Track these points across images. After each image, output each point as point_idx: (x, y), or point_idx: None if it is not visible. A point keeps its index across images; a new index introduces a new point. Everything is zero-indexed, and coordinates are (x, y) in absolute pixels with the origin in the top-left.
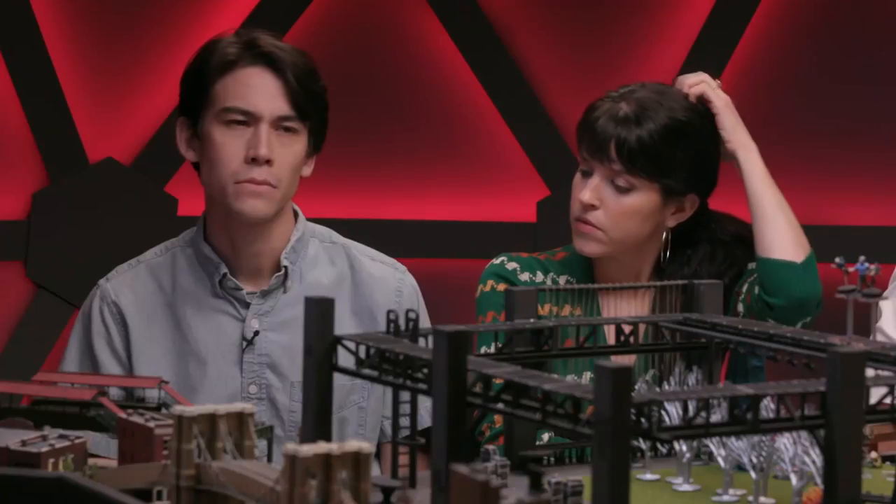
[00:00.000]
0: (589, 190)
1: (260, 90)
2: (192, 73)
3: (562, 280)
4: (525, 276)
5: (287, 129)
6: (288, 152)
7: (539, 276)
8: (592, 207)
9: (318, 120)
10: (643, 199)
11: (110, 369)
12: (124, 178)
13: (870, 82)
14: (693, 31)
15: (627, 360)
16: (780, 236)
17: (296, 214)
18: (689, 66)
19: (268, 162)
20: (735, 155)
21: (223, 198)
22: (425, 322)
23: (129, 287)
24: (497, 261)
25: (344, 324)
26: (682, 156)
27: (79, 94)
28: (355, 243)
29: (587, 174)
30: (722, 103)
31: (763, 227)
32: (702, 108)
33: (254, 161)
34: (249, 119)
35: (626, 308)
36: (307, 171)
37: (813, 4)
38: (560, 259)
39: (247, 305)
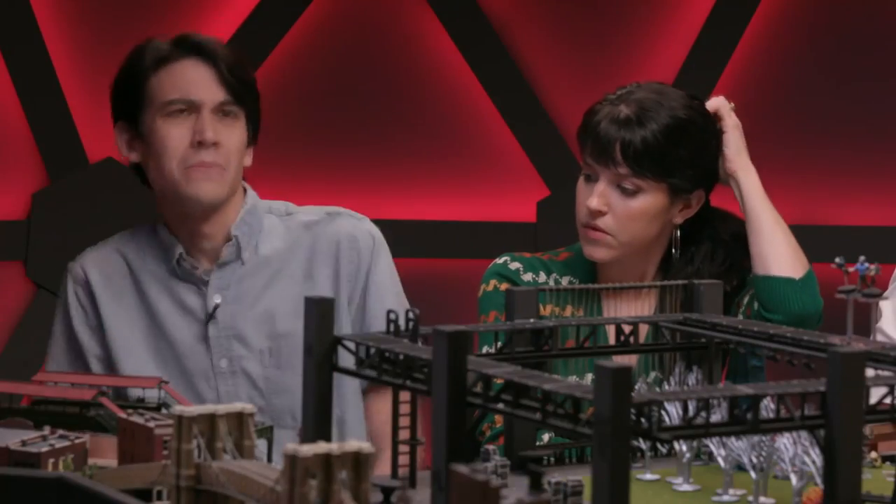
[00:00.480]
0: (596, 196)
1: (197, 80)
2: (124, 75)
3: (564, 281)
4: (528, 277)
5: (227, 114)
6: (232, 135)
7: (542, 277)
8: (600, 213)
9: (254, 108)
10: (650, 200)
11: (91, 349)
12: (124, 178)
13: (870, 82)
14: (693, 31)
15: (629, 360)
16: (779, 253)
17: (245, 191)
18: (689, 66)
19: (215, 145)
20: (735, 176)
21: (174, 186)
22: (381, 272)
23: (96, 266)
24: (500, 260)
25: (299, 287)
26: (687, 153)
27: (79, 94)
28: (313, 206)
29: (591, 179)
30: (732, 124)
31: (761, 245)
32: (701, 105)
33: (200, 145)
34: (190, 108)
35: (627, 309)
36: (248, 160)
37: (812, 4)
38: (563, 259)
39: (206, 283)
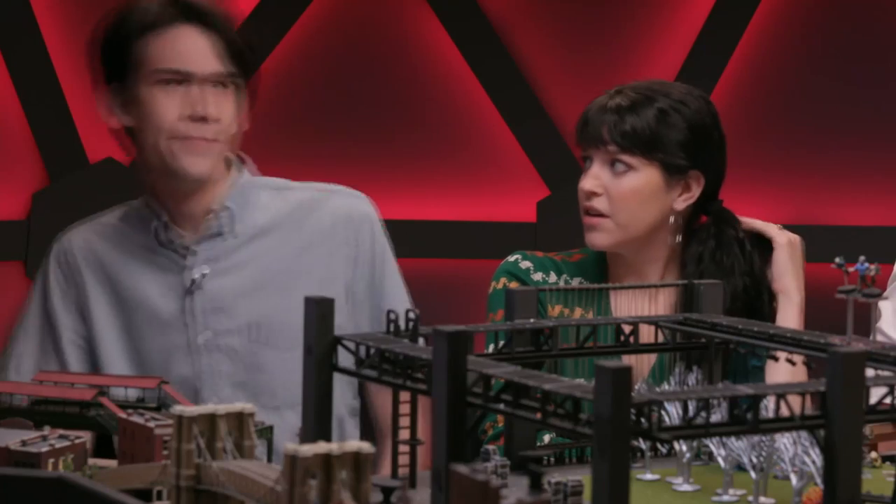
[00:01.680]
0: (590, 177)
1: (190, 49)
2: (111, 37)
3: (575, 282)
4: (538, 276)
5: (220, 84)
6: (224, 106)
7: (552, 277)
8: (595, 194)
9: (250, 71)
10: (644, 178)
11: (65, 322)
12: (124, 178)
13: (870, 82)
14: (693, 31)
15: (646, 364)
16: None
17: (236, 166)
18: (689, 66)
19: (204, 119)
20: (778, 297)
21: (161, 159)
22: (381, 253)
23: (81, 239)
24: (512, 258)
25: (300, 260)
26: (678, 132)
27: (79, 94)
28: (315, 183)
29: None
30: (784, 240)
31: (772, 376)
32: (702, 94)
33: (191, 119)
34: (183, 78)
35: (636, 310)
36: (245, 124)
37: (813, 4)
38: (576, 261)
39: (188, 253)
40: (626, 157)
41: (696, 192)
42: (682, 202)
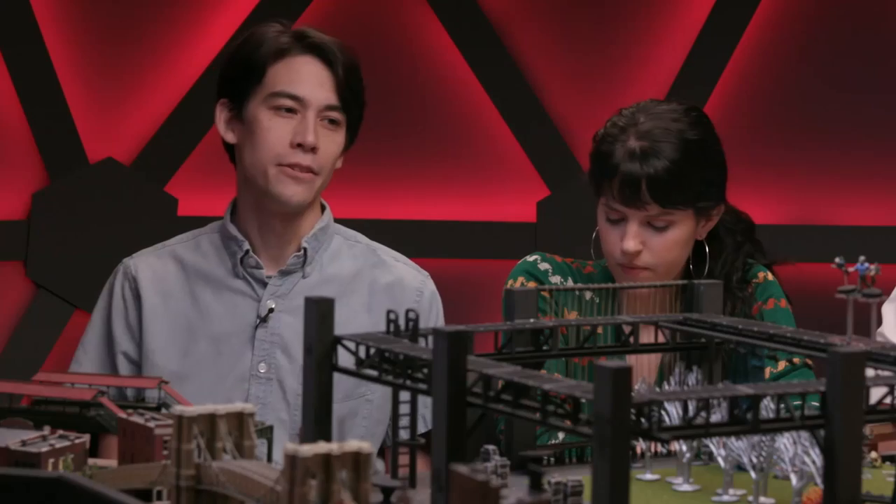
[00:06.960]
0: (630, 238)
1: (310, 78)
2: (241, 57)
3: (587, 294)
4: (556, 279)
5: (331, 121)
6: (331, 142)
7: (569, 282)
8: (637, 253)
9: (357, 115)
10: (683, 228)
11: (122, 343)
12: (124, 178)
13: (869, 82)
14: (693, 31)
15: (646, 365)
16: None
17: (323, 208)
18: (688, 67)
19: (313, 149)
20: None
21: (263, 180)
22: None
23: (149, 265)
24: (531, 258)
25: (359, 319)
26: (709, 173)
27: (79, 94)
28: (380, 245)
29: (618, 222)
30: None
31: None
32: (700, 115)
33: (299, 147)
34: (297, 105)
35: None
36: (339, 163)
37: (811, 6)
38: (587, 272)
39: (264, 285)
40: (667, 216)
41: (716, 218)
42: (704, 231)
